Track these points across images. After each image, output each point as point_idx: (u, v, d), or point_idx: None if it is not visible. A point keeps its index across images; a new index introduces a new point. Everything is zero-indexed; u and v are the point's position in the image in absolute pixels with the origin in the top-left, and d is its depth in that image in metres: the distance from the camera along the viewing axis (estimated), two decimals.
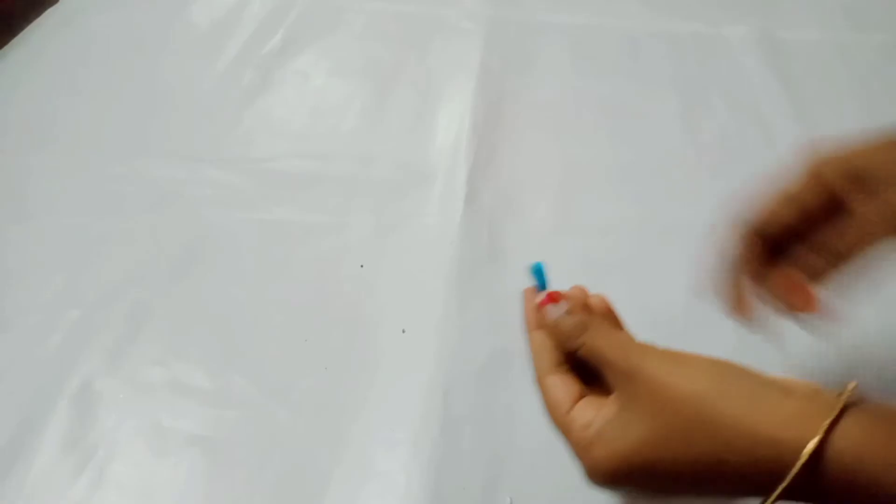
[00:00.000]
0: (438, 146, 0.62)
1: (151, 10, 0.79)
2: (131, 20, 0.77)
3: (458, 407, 0.45)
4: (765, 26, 0.74)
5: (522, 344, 0.48)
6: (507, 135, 0.63)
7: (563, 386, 0.32)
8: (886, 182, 0.31)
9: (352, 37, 0.75)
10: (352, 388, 0.46)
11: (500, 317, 0.49)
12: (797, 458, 0.24)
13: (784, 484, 0.24)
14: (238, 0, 0.79)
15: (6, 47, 0.74)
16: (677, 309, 0.48)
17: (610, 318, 0.34)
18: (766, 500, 0.25)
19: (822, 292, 0.31)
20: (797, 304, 0.32)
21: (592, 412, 0.30)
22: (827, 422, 0.24)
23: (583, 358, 0.31)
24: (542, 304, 0.33)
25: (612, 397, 0.30)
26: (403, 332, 0.49)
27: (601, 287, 0.35)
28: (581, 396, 0.31)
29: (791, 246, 0.33)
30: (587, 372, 0.32)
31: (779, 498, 0.25)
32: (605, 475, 0.28)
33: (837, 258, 0.31)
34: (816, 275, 0.31)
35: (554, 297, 0.32)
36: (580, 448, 0.29)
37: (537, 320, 0.33)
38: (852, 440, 0.24)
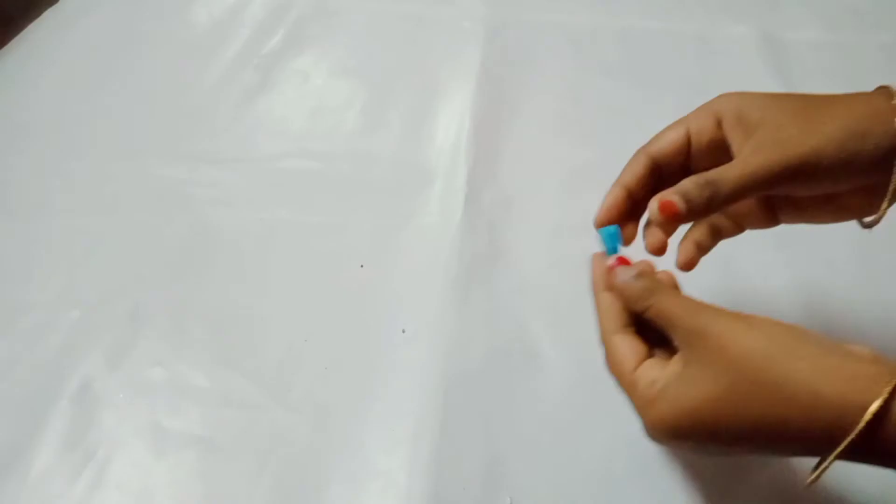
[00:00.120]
0: (438, 146, 0.62)
1: (151, 10, 0.79)
2: (131, 20, 0.77)
3: (458, 407, 0.45)
4: (765, 26, 0.74)
5: (522, 342, 0.48)
6: (507, 134, 0.63)
7: (630, 345, 0.32)
8: (757, 125, 0.32)
9: (352, 37, 0.75)
10: (352, 388, 0.46)
11: (500, 316, 0.49)
12: (859, 418, 0.24)
13: (847, 441, 0.25)
14: (238, 0, 0.79)
15: (6, 47, 0.74)
16: None
17: (677, 289, 0.35)
18: (829, 457, 0.26)
19: (680, 205, 0.32)
20: (653, 208, 0.32)
21: (658, 371, 0.31)
22: (892, 384, 0.24)
23: (649, 320, 0.32)
24: (612, 267, 0.34)
25: (676, 357, 0.31)
26: (403, 332, 0.49)
27: None
28: (646, 357, 0.32)
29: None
30: (651, 339, 0.33)
31: (839, 457, 0.25)
32: (667, 430, 0.29)
33: (706, 186, 0.31)
34: (686, 197, 0.32)
35: (624, 261, 0.34)
36: (644, 403, 0.30)
37: (606, 282, 0.34)
38: None
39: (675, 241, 0.36)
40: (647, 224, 0.36)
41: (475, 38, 0.73)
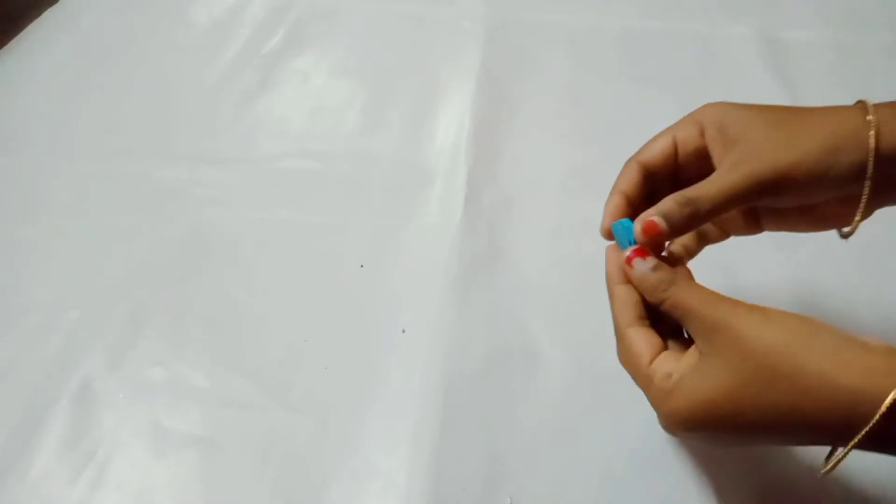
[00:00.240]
0: (438, 146, 0.62)
1: (151, 9, 0.79)
2: (131, 20, 0.77)
3: (458, 407, 0.45)
4: (765, 26, 0.74)
5: (522, 342, 0.48)
6: (507, 135, 0.63)
7: (645, 338, 0.33)
8: (736, 139, 0.33)
9: (352, 37, 0.75)
10: (352, 388, 0.46)
11: (499, 316, 0.49)
12: (876, 409, 0.25)
13: (864, 432, 0.25)
14: (238, 0, 0.79)
15: (6, 47, 0.74)
16: None
17: (693, 280, 0.35)
18: (845, 448, 0.26)
19: (661, 226, 0.33)
20: (636, 230, 0.33)
21: (673, 363, 0.31)
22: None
23: (666, 312, 0.32)
24: (629, 259, 0.34)
25: (692, 349, 0.31)
26: (403, 332, 0.49)
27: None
28: (661, 350, 0.32)
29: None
30: (665, 330, 0.33)
31: (855, 447, 0.26)
32: (683, 422, 0.30)
33: (686, 204, 0.32)
34: (667, 217, 0.33)
35: (641, 253, 0.33)
36: (660, 396, 0.31)
37: (621, 275, 0.34)
38: None
39: None
40: None
41: (475, 38, 0.73)
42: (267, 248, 0.55)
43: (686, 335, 0.34)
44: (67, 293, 0.51)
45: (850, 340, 0.27)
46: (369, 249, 0.54)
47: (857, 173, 0.32)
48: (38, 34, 0.76)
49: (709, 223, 0.38)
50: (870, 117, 0.31)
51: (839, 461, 0.27)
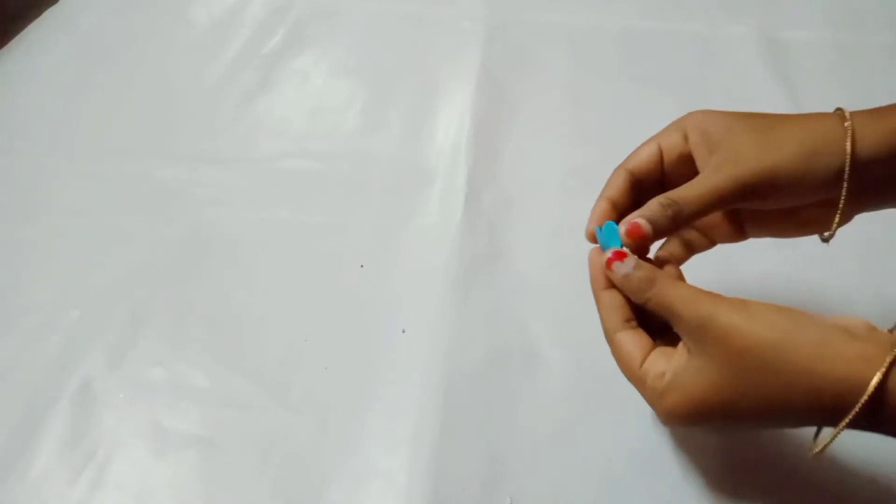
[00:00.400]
0: (438, 146, 0.62)
1: (151, 9, 0.79)
2: (131, 20, 0.77)
3: (458, 407, 0.45)
4: (765, 26, 0.74)
5: (522, 342, 0.48)
6: (507, 134, 0.63)
7: (634, 341, 0.34)
8: (719, 143, 0.34)
9: (352, 37, 0.75)
10: (352, 388, 0.46)
11: (500, 316, 0.49)
12: (860, 395, 0.26)
13: (848, 418, 0.27)
14: (238, 0, 0.79)
15: (6, 47, 0.74)
16: None
17: (680, 278, 0.36)
18: (833, 433, 0.28)
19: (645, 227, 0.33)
20: (621, 232, 0.34)
21: (664, 362, 0.32)
22: (889, 358, 0.26)
23: (652, 311, 0.33)
24: (609, 262, 0.34)
25: (681, 346, 0.32)
26: (403, 332, 0.49)
27: None
28: (651, 349, 0.33)
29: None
30: (653, 327, 0.34)
31: (845, 428, 0.27)
32: (680, 419, 0.31)
33: (675, 208, 0.33)
34: (651, 218, 0.34)
35: (620, 255, 0.34)
36: (656, 396, 0.32)
37: (605, 280, 0.35)
38: None
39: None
40: None
41: (475, 38, 0.73)
42: (267, 248, 0.55)
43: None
44: (67, 293, 0.51)
45: (833, 328, 0.28)
46: (369, 249, 0.54)
47: (836, 177, 0.33)
48: (38, 34, 0.76)
49: (694, 232, 0.39)
50: (847, 123, 0.33)
51: (826, 446, 0.29)
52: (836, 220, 0.35)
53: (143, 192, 0.59)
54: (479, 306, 0.50)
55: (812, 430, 0.31)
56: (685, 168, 0.36)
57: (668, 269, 0.36)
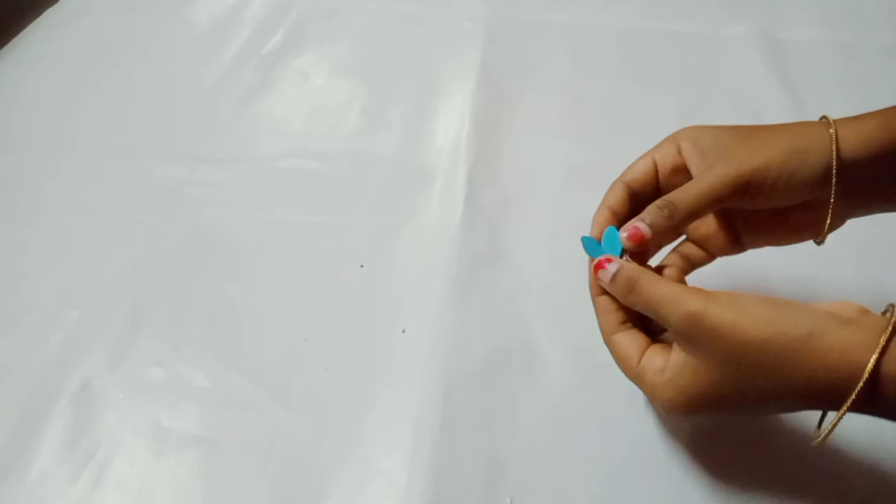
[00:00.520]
0: (438, 146, 0.62)
1: (151, 9, 0.79)
2: (131, 20, 0.77)
3: (458, 407, 0.45)
4: (765, 26, 0.74)
5: (522, 342, 0.48)
6: (507, 134, 0.63)
7: (629, 341, 0.35)
8: (711, 148, 0.36)
9: (352, 37, 0.75)
10: (352, 388, 0.46)
11: (499, 316, 0.49)
12: (856, 381, 0.27)
13: (845, 408, 0.27)
14: (238, 0, 0.79)
15: (6, 47, 0.74)
16: None
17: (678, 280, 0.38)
18: (833, 423, 0.29)
19: (644, 229, 0.35)
20: (623, 237, 0.36)
21: (662, 358, 0.33)
22: (882, 340, 0.27)
23: (644, 313, 0.34)
24: (596, 268, 0.35)
25: (676, 344, 0.33)
26: (403, 332, 0.49)
27: None
28: (647, 347, 0.34)
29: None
30: (655, 328, 0.36)
31: (846, 412, 0.28)
32: (680, 412, 0.32)
33: (670, 209, 0.34)
34: (649, 220, 0.35)
35: (607, 260, 0.35)
36: (656, 392, 0.33)
37: (599, 286, 0.36)
38: None
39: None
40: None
41: (475, 38, 0.73)
42: (267, 248, 0.55)
43: None
44: (67, 293, 0.51)
45: (823, 316, 0.29)
46: (369, 249, 0.54)
47: (823, 175, 0.34)
48: (38, 34, 0.76)
49: (692, 246, 0.40)
50: (831, 130, 0.34)
51: (829, 433, 0.29)
52: (828, 221, 0.36)
53: (143, 192, 0.59)
54: (479, 306, 0.50)
55: (814, 418, 0.32)
56: (679, 179, 0.37)
57: (667, 272, 0.37)
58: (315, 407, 0.45)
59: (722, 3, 0.78)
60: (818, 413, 0.32)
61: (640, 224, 0.35)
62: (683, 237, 0.41)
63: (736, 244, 0.39)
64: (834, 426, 0.29)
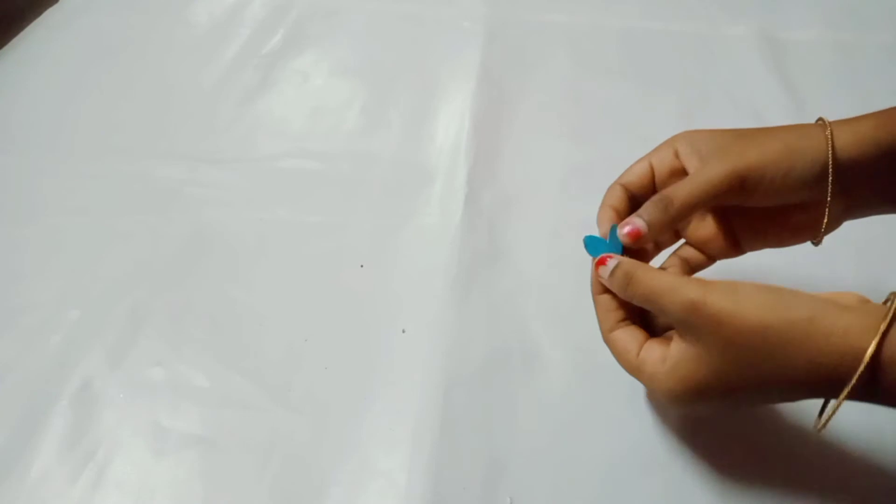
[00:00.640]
0: (438, 146, 0.62)
1: (152, 9, 0.79)
2: (131, 20, 0.77)
3: (458, 407, 0.45)
4: (765, 26, 0.74)
5: (522, 342, 0.48)
6: (507, 134, 0.63)
7: (628, 336, 0.35)
8: (708, 148, 0.36)
9: (352, 37, 0.75)
10: (352, 388, 0.46)
11: (499, 316, 0.49)
12: (857, 364, 0.27)
13: (847, 388, 0.28)
14: (238, 0, 0.79)
15: (6, 47, 0.74)
16: None
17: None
18: (834, 408, 0.29)
19: (640, 224, 0.36)
20: (621, 234, 0.36)
21: (661, 350, 0.33)
22: (882, 326, 0.27)
23: (644, 306, 0.34)
24: (597, 266, 0.36)
25: (676, 334, 0.33)
26: (403, 332, 0.49)
27: None
28: (646, 341, 0.35)
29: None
30: (656, 328, 0.37)
31: (846, 399, 0.28)
32: (682, 402, 0.32)
33: (666, 202, 0.35)
34: (644, 215, 0.36)
35: (602, 261, 0.36)
36: (656, 382, 0.33)
37: (600, 285, 0.37)
38: None
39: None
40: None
41: (475, 38, 0.73)
42: (267, 248, 0.55)
43: None
44: (67, 293, 0.51)
45: (823, 304, 0.29)
46: (369, 249, 0.54)
47: (819, 176, 0.34)
48: (38, 34, 0.76)
49: (691, 249, 0.41)
50: (828, 132, 0.35)
51: (829, 419, 0.30)
52: (824, 221, 0.36)
53: (143, 192, 0.59)
54: (479, 306, 0.50)
55: (814, 416, 0.32)
56: (676, 181, 0.37)
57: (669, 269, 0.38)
58: (315, 407, 0.45)
59: (722, 3, 0.78)
60: (817, 412, 0.32)
61: (636, 219, 0.36)
62: (682, 241, 0.41)
63: (734, 247, 0.40)
64: (835, 411, 0.29)
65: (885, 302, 0.29)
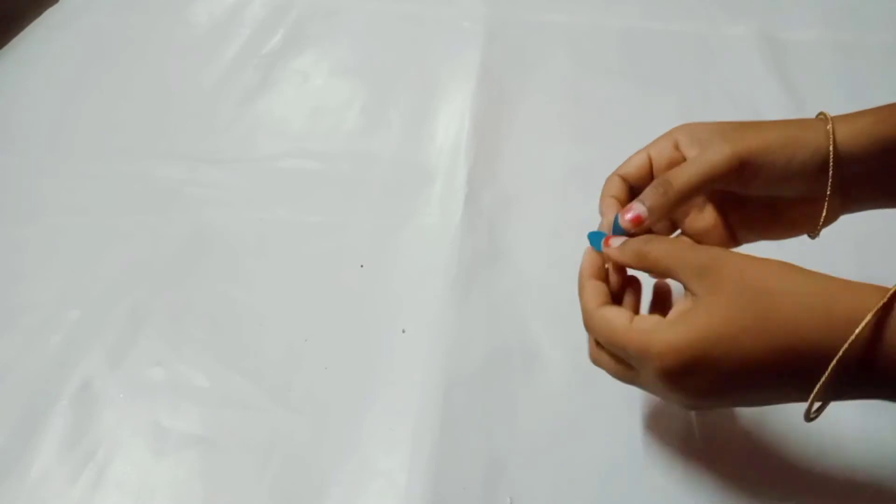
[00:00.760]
0: (438, 146, 0.62)
1: (152, 9, 0.79)
2: (131, 20, 0.77)
3: (458, 407, 0.45)
4: (765, 26, 0.74)
5: (522, 342, 0.48)
6: (507, 134, 0.63)
7: (617, 311, 0.34)
8: (709, 138, 0.36)
9: (352, 37, 0.75)
10: (352, 388, 0.46)
11: (500, 316, 0.49)
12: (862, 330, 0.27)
13: (850, 340, 0.27)
14: (238, 0, 0.79)
15: (6, 47, 0.74)
16: None
17: None
18: (831, 368, 0.28)
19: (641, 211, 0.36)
20: (621, 220, 0.36)
21: (656, 317, 0.32)
22: (890, 293, 0.27)
23: (654, 272, 0.34)
24: (606, 241, 0.36)
25: (684, 297, 0.32)
26: (403, 332, 0.49)
27: None
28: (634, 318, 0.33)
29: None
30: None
31: (838, 379, 0.28)
32: (681, 360, 0.29)
33: (665, 186, 0.35)
34: (645, 199, 0.36)
35: (607, 242, 0.36)
36: (654, 339, 0.31)
37: (593, 271, 0.36)
38: None
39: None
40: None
41: (475, 38, 0.73)
42: (267, 248, 0.55)
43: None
44: (67, 293, 0.51)
45: (831, 279, 0.30)
46: (369, 249, 0.54)
47: (819, 167, 0.34)
48: (38, 34, 0.76)
49: (689, 240, 0.40)
50: (829, 126, 0.35)
51: (823, 384, 0.28)
52: (823, 214, 0.36)
53: (143, 192, 0.59)
54: (479, 306, 0.50)
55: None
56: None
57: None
58: (315, 407, 0.45)
59: (722, 3, 0.78)
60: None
61: (636, 204, 0.36)
62: (678, 231, 0.41)
63: (730, 238, 0.40)
64: (831, 371, 0.27)
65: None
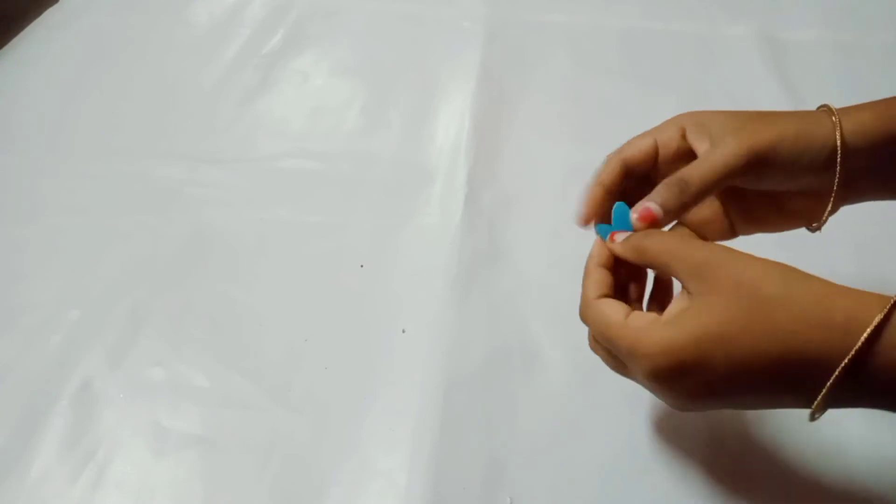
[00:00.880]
0: (438, 146, 0.62)
1: (152, 9, 0.79)
2: (131, 20, 0.77)
3: (458, 407, 0.45)
4: (765, 26, 0.74)
5: (522, 342, 0.48)
6: (507, 134, 0.63)
7: (614, 305, 0.33)
8: (718, 129, 0.35)
9: (352, 37, 0.75)
10: (352, 388, 0.46)
11: (500, 316, 0.49)
12: (863, 330, 0.26)
13: (855, 349, 0.26)
14: (238, 0, 0.79)
15: (6, 47, 0.74)
16: None
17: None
18: (838, 372, 0.27)
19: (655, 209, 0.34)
20: (633, 219, 0.35)
21: (652, 314, 0.32)
22: (891, 301, 0.26)
23: (654, 267, 0.34)
24: (612, 236, 0.36)
25: (680, 295, 0.32)
26: (403, 332, 0.49)
27: None
28: (631, 312, 0.33)
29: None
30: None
31: (845, 388, 0.27)
32: (675, 358, 0.29)
33: (682, 185, 0.34)
34: (660, 200, 0.34)
35: (614, 238, 0.36)
36: (649, 336, 0.30)
37: (602, 259, 0.36)
38: None
39: None
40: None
41: (475, 38, 0.73)
42: (267, 248, 0.55)
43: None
44: (67, 293, 0.51)
45: (833, 284, 0.29)
46: (369, 249, 0.54)
47: (826, 161, 0.34)
48: (38, 34, 0.76)
49: (687, 230, 0.39)
50: (834, 118, 0.34)
51: (825, 402, 0.28)
52: (829, 207, 0.36)
53: (143, 192, 0.59)
54: (479, 306, 0.50)
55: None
56: (681, 163, 0.36)
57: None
58: (315, 407, 0.45)
59: (722, 3, 0.78)
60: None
61: (650, 204, 0.34)
62: (675, 222, 0.40)
63: (730, 230, 0.39)
64: (836, 375, 0.27)
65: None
